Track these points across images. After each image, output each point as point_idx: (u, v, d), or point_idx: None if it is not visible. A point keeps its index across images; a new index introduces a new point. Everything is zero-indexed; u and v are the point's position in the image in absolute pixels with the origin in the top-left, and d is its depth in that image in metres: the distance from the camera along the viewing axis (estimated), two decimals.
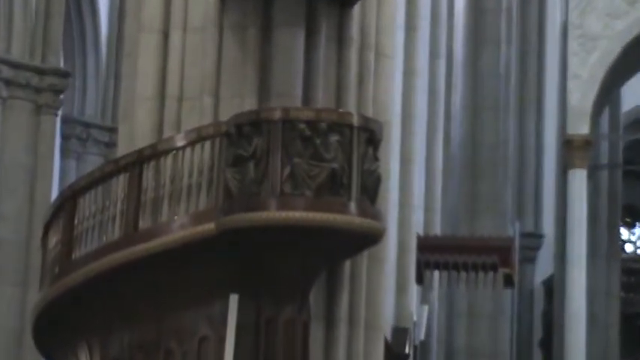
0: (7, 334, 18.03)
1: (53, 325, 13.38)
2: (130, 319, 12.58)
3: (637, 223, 38.42)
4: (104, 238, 12.67)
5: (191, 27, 13.14)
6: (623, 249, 34.37)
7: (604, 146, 29.65)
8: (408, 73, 19.82)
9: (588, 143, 25.49)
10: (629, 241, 37.87)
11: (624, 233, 35.57)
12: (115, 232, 12.57)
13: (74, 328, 13.14)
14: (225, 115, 12.55)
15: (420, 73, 20.81)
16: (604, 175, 29.82)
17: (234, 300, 12.08)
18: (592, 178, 26.91)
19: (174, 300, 12.37)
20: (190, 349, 12.37)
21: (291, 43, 12.84)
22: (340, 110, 12.60)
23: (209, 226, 12.13)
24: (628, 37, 24.87)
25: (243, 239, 12.06)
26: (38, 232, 14.40)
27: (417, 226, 20.81)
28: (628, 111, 32.15)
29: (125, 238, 12.47)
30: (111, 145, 19.46)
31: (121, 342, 12.70)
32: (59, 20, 19.80)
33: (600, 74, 24.93)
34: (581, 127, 24.97)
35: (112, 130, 20.01)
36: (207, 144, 12.43)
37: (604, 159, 29.83)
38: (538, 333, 29.08)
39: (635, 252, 38.22)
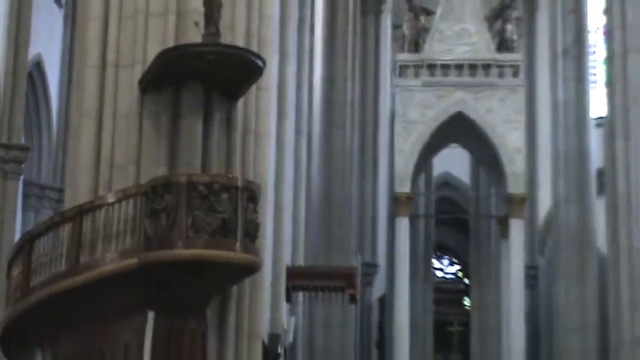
0: None
1: (15, 336, 13.09)
2: (73, 330, 12.36)
3: (445, 256, 38.78)
4: (54, 270, 12.45)
5: (118, 115, 13.00)
6: (435, 275, 34.63)
7: (421, 201, 29.93)
8: (279, 148, 19.90)
9: (410, 199, 25.71)
10: (439, 269, 38.19)
11: (436, 263, 35.84)
12: (62, 265, 12.33)
13: (31, 338, 12.87)
14: (144, 180, 12.44)
15: (287, 148, 20.91)
16: (421, 221, 30.08)
17: (151, 316, 11.95)
18: (413, 223, 27.10)
19: (106, 315, 12.18)
20: (118, 353, 12.16)
21: (192, 127, 12.78)
22: (229, 175, 12.55)
23: (132, 261, 11.98)
24: (437, 123, 25.17)
25: (157, 270, 11.96)
26: (4, 267, 14.12)
27: (287, 259, 20.80)
28: (438, 175, 32.54)
29: (69, 270, 12.26)
30: (60, 201, 19.16)
31: (66, 347, 12.47)
32: (20, 107, 19.55)
33: (417, 149, 25.19)
34: (404, 187, 25.17)
35: (61, 191, 19.69)
36: (131, 200, 12.30)
37: (421, 210, 30.10)
38: (374, 337, 29.11)
39: (443, 277, 38.55)
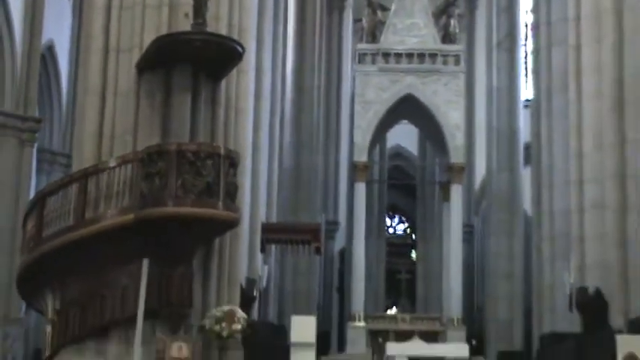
0: (1, 287, 17.59)
1: (30, 280, 13.03)
2: (78, 274, 12.32)
3: (395, 216, 38.93)
4: (62, 224, 12.40)
5: (119, 92, 12.94)
6: (387, 231, 34.78)
7: (376, 168, 30.00)
8: (256, 123, 19.86)
9: (366, 167, 25.73)
10: (391, 227, 38.36)
11: (388, 221, 35.99)
12: (70, 220, 12.30)
13: (43, 282, 12.81)
14: (140, 148, 12.42)
15: (263, 122, 20.87)
16: (376, 186, 30.18)
17: (145, 263, 11.90)
18: (369, 188, 27.15)
19: (107, 262, 12.16)
20: (117, 294, 12.16)
21: (182, 103, 12.73)
22: (213, 145, 12.53)
23: (130, 216, 11.99)
24: (390, 103, 25.16)
25: (151, 225, 11.94)
26: (21, 220, 14.05)
27: (262, 216, 20.82)
28: (390, 147, 32.63)
29: (76, 223, 12.22)
30: (68, 165, 19.04)
31: (73, 290, 12.43)
32: (35, 85, 19.49)
33: (373, 124, 25.16)
34: (362, 157, 25.17)
35: (69, 156, 19.56)
36: (129, 165, 12.29)
37: (376, 176, 30.18)
38: (336, 283, 29.24)
39: (394, 233, 38.71)
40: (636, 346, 12.89)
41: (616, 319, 15.96)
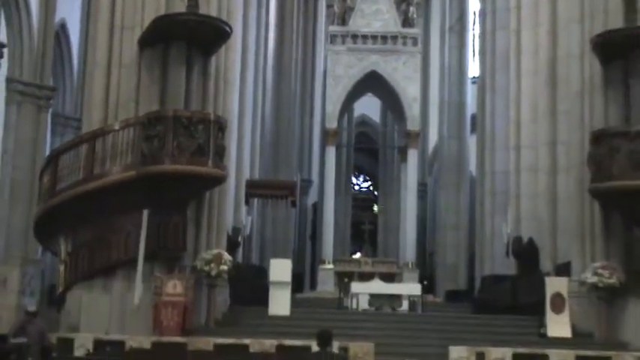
0: (19, 233, 17.46)
1: (45, 227, 12.98)
2: (88, 222, 12.33)
3: (360, 175, 38.91)
4: (74, 178, 12.35)
5: (122, 65, 12.85)
6: (353, 188, 34.74)
7: (344, 134, 29.93)
8: (242, 93, 19.75)
9: (336, 133, 25.61)
10: (356, 184, 38.32)
11: (354, 180, 35.94)
12: (80, 175, 12.27)
13: (57, 228, 12.78)
14: (141, 113, 12.37)
15: (248, 92, 20.78)
16: (344, 149, 30.12)
17: (145, 213, 11.92)
18: (338, 151, 27.09)
19: (113, 212, 12.14)
20: (121, 239, 12.18)
21: (177, 75, 12.66)
22: (204, 111, 12.50)
23: (132, 173, 12.00)
24: (357, 78, 25.02)
25: (150, 180, 11.90)
26: (37, 175, 13.95)
27: (246, 174, 20.79)
28: (357, 116, 32.52)
29: (85, 178, 12.21)
30: (79, 128, 18.77)
31: (83, 235, 12.43)
32: (50, 58, 19.27)
33: (342, 96, 25.02)
34: (332, 124, 25.06)
35: (80, 120, 19.27)
36: (132, 128, 12.27)
37: (344, 141, 30.11)
38: (309, 232, 29.25)
39: (359, 190, 38.68)
40: (562, 287, 13.09)
41: (545, 264, 16.17)
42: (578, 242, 13.07)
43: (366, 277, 21.89)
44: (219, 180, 12.44)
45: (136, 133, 12.11)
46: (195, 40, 12.71)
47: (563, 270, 14.24)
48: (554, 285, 13.14)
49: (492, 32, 21.40)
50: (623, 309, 12.23)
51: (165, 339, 11.12)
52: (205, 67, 13.05)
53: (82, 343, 10.90)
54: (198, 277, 12.42)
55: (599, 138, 12.14)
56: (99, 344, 10.84)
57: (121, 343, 10.69)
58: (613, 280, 12.10)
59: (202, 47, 12.91)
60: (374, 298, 17.43)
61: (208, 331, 12.01)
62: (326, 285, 23.86)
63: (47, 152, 17.80)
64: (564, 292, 12.94)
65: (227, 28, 12.68)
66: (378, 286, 18.56)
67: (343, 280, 21.24)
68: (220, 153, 12.11)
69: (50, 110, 19.62)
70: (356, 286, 17.80)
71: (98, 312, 12.10)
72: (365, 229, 30.45)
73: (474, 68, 27.44)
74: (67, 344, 10.98)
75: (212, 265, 12.35)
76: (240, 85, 19.29)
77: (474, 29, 29.00)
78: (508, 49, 19.59)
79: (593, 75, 13.02)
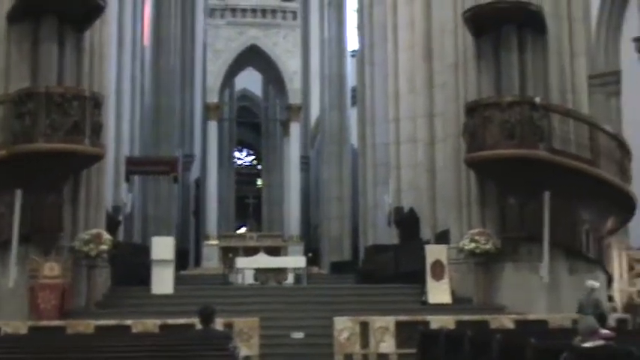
0: None
1: None
2: None
3: (243, 149, 38.74)
4: None
5: None
6: (236, 163, 34.57)
7: (226, 108, 29.68)
8: (120, 67, 19.25)
9: (217, 107, 25.46)
10: (239, 159, 38.13)
11: (237, 154, 35.74)
12: None
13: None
14: (12, 90, 11.86)
15: (126, 67, 20.26)
16: (226, 123, 29.92)
17: (18, 193, 11.44)
18: (220, 125, 26.88)
19: None
20: None
21: (49, 50, 12.17)
22: (78, 87, 12.08)
23: (3, 152, 11.51)
24: (237, 52, 24.89)
25: (23, 159, 11.44)
26: None
27: (126, 151, 20.31)
28: (238, 90, 32.36)
29: None
30: None
31: None
32: None
33: (223, 70, 24.88)
34: (213, 98, 24.88)
35: None
36: (2, 106, 11.78)
37: (226, 115, 29.90)
38: (192, 208, 28.93)
39: (242, 164, 38.52)
40: (441, 254, 13.40)
41: (425, 232, 16.54)
42: (456, 210, 13.38)
43: (251, 251, 21.85)
44: (96, 158, 12.06)
45: (7, 110, 11.62)
46: (67, 14, 12.21)
47: (442, 238, 14.57)
48: (434, 253, 13.43)
49: (370, 6, 21.60)
50: (499, 274, 12.62)
51: (43, 323, 10.72)
52: (79, 42, 12.59)
53: None
54: (77, 258, 12.02)
55: (473, 109, 12.41)
56: None
57: None
58: (489, 246, 12.44)
59: (75, 22, 12.43)
60: (259, 272, 17.41)
61: (89, 314, 11.66)
62: (211, 261, 23.72)
63: None
64: (444, 260, 13.24)
65: (100, 2, 12.24)
66: (263, 260, 18.56)
67: (228, 255, 21.12)
68: (97, 130, 11.74)
69: None
70: (241, 261, 17.75)
71: None
72: (249, 204, 30.42)
73: (353, 42, 27.66)
74: None
75: (91, 245, 11.98)
76: (117, 60, 18.75)
77: (351, 3, 29.18)
78: (385, 24, 19.79)
79: (466, 48, 13.28)
